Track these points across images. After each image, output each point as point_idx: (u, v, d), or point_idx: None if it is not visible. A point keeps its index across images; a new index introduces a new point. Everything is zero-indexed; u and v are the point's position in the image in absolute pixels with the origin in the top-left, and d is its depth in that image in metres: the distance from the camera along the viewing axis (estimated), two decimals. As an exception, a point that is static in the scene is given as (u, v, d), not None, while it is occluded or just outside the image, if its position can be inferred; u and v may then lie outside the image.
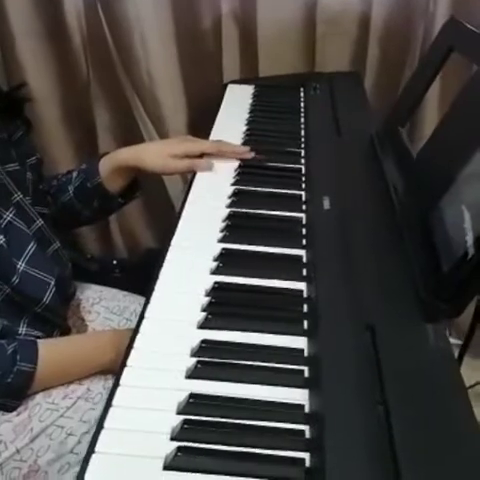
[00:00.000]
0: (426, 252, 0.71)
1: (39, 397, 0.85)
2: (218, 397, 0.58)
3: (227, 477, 0.51)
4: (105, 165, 1.04)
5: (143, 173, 1.05)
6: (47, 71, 1.43)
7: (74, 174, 1.08)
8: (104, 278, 1.21)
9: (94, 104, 1.47)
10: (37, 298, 0.87)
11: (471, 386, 1.59)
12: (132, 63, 1.40)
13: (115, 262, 1.48)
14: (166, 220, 1.41)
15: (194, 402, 0.57)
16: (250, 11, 1.40)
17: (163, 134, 1.47)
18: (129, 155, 1.03)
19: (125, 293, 1.11)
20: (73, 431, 0.83)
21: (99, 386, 0.88)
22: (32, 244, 0.90)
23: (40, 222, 0.94)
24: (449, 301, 0.64)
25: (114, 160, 1.04)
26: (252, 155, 1.05)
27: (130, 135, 1.48)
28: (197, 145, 1.05)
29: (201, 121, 1.33)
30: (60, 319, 0.94)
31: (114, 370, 0.74)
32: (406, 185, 0.86)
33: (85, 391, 0.88)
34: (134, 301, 1.07)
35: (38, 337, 0.88)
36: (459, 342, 1.79)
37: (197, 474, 0.51)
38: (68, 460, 0.82)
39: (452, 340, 1.80)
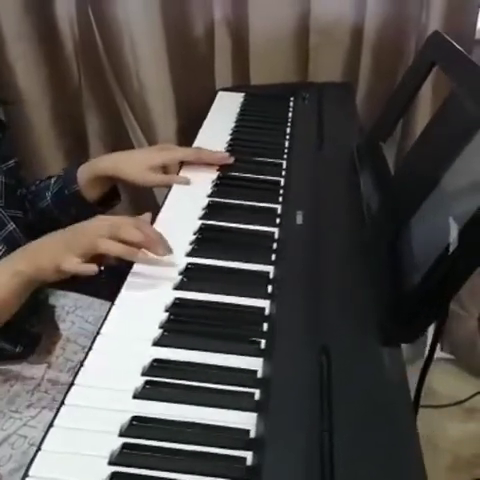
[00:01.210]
0: (390, 273, 0.69)
1: (2, 404, 0.84)
2: (161, 420, 0.57)
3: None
4: (83, 173, 1.03)
5: (120, 182, 1.05)
6: (38, 75, 1.42)
7: (52, 180, 1.07)
8: (89, 284, 1.21)
9: (85, 110, 1.47)
10: None
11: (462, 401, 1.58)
12: (121, 68, 1.39)
13: (102, 268, 1.47)
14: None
15: (137, 425, 0.56)
16: (243, 18, 1.39)
17: (153, 141, 1.46)
18: (108, 165, 1.03)
19: (103, 302, 1.10)
20: (36, 441, 0.82)
21: (65, 397, 0.87)
22: (1, 248, 0.89)
23: (11, 226, 0.94)
24: (405, 325, 0.63)
25: (92, 169, 1.03)
26: (231, 160, 1.04)
27: (120, 142, 1.48)
28: (176, 154, 1.04)
29: (191, 128, 1.32)
30: (28, 326, 0.94)
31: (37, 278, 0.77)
32: (379, 203, 0.85)
33: (50, 401, 0.87)
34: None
35: (4, 347, 0.87)
36: (451, 357, 1.77)
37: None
38: None
39: (443, 354, 1.78)
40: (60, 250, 0.76)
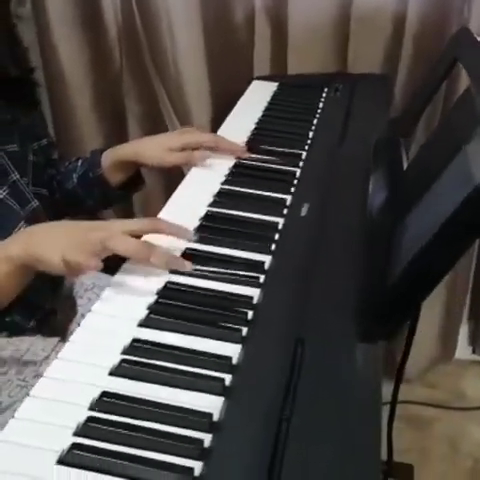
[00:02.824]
0: (375, 270, 0.69)
1: (12, 373, 0.88)
2: (129, 397, 0.59)
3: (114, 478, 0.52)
4: (107, 158, 1.07)
5: (143, 167, 1.07)
6: (81, 58, 1.47)
7: (79, 162, 1.11)
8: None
9: (125, 94, 1.50)
10: None
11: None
12: (160, 54, 1.42)
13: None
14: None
15: (105, 400, 0.59)
16: (282, 6, 1.38)
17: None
18: (128, 150, 1.06)
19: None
20: None
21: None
22: (22, 224, 0.93)
23: (35, 203, 0.98)
24: (378, 321, 0.62)
25: (114, 154, 1.06)
26: (247, 155, 1.05)
27: (157, 127, 1.51)
28: (195, 137, 1.06)
29: (225, 116, 1.34)
30: (43, 301, 0.98)
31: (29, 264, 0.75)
32: (382, 201, 0.84)
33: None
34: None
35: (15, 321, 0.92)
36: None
37: (87, 472, 0.53)
38: None
39: (476, 357, 1.74)
40: (69, 246, 0.75)
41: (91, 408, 0.58)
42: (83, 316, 1.05)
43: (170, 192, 1.57)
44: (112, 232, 0.77)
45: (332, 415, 0.56)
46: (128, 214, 1.65)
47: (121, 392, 0.60)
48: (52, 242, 0.78)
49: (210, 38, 1.43)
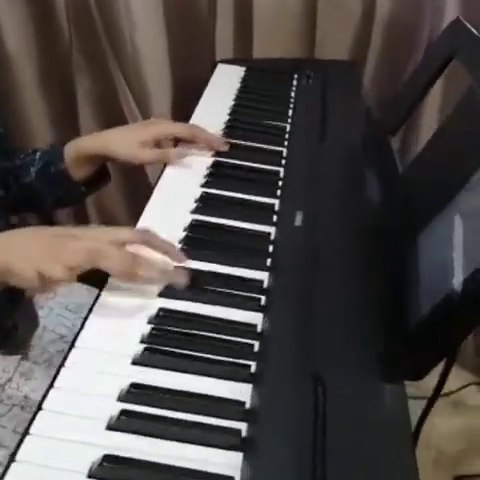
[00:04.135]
0: (396, 296, 0.64)
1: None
2: (158, 388, 0.57)
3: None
4: (70, 151, 0.96)
5: (110, 161, 0.98)
6: (26, 33, 1.33)
7: (37, 155, 1.00)
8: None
9: (75, 73, 1.38)
10: None
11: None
12: (116, 32, 1.30)
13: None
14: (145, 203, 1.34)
15: (135, 391, 0.56)
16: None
17: (145, 111, 1.38)
18: (96, 143, 0.95)
19: (87, 287, 1.04)
20: (3, 443, 0.78)
21: (38, 395, 0.82)
22: None
23: None
24: (409, 360, 0.57)
25: (79, 146, 0.96)
26: (226, 148, 0.97)
27: (111, 110, 1.39)
28: (168, 128, 0.97)
29: (187, 100, 1.24)
30: (5, 318, 0.88)
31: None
32: (385, 209, 0.79)
33: (22, 398, 0.82)
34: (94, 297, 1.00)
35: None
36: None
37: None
38: None
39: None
40: (45, 256, 0.65)
41: (121, 400, 0.56)
42: (45, 328, 0.97)
43: (127, 186, 1.50)
44: (92, 240, 0.67)
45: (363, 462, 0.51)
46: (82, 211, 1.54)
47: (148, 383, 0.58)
48: (25, 252, 0.67)
49: (170, 16, 1.32)
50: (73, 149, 0.96)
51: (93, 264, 0.65)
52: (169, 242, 0.72)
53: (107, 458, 0.51)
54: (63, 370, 0.59)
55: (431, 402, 0.64)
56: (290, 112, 1.14)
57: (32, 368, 0.89)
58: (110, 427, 0.54)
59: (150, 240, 0.70)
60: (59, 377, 0.58)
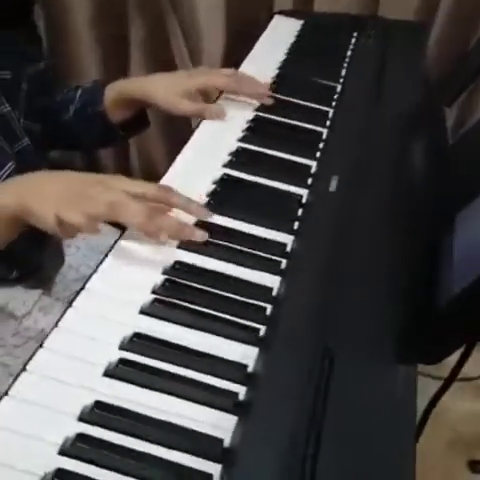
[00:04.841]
0: (424, 277, 0.60)
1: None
2: (161, 341, 0.56)
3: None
4: (111, 93, 0.94)
5: (150, 108, 0.95)
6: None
7: (78, 93, 0.98)
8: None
9: (130, 13, 1.34)
10: None
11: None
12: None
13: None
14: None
15: (137, 341, 0.55)
16: None
17: (196, 57, 1.34)
18: (137, 87, 0.93)
19: (117, 230, 1.03)
20: (14, 372, 0.78)
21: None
22: (11, 164, 0.81)
23: (26, 141, 0.86)
24: (429, 344, 0.54)
25: (120, 89, 0.93)
26: (270, 102, 0.94)
27: (162, 53, 1.36)
28: (212, 80, 0.93)
29: (239, 49, 1.20)
30: (29, 252, 0.88)
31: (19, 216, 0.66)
32: (429, 182, 0.74)
33: (38, 332, 0.83)
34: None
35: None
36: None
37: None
38: None
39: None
40: (65, 201, 0.64)
41: (123, 348, 0.55)
42: (70, 266, 0.98)
43: (168, 133, 1.47)
44: (115, 192, 0.65)
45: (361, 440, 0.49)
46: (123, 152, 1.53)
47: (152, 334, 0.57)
48: (47, 195, 0.66)
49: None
50: (114, 91, 0.94)
51: (112, 216, 0.64)
52: (190, 199, 0.69)
53: (99, 404, 0.50)
54: (69, 310, 0.58)
55: (446, 385, 0.61)
56: (343, 72, 1.08)
57: (53, 304, 0.89)
58: (107, 374, 0.53)
59: (169, 199, 0.68)
60: (64, 317, 0.57)
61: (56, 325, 0.57)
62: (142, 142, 1.48)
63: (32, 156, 0.87)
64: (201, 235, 0.68)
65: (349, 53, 1.15)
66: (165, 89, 0.90)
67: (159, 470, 0.47)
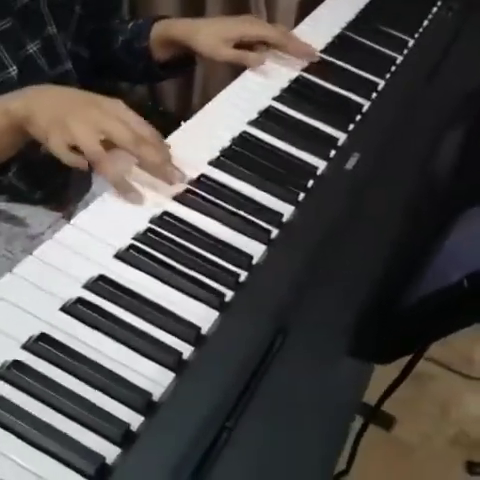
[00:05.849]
0: (404, 275, 0.57)
1: (0, 241, 0.83)
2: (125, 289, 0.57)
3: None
4: (157, 31, 0.93)
5: (192, 51, 0.94)
6: None
7: (130, 25, 0.98)
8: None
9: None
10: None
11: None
12: None
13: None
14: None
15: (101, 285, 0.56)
16: None
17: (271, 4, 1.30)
18: (180, 29, 0.92)
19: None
20: None
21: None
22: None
23: (68, 65, 0.87)
24: (383, 344, 0.52)
25: (165, 29, 0.93)
26: (316, 59, 0.91)
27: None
28: (258, 29, 0.91)
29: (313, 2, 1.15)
30: (57, 175, 0.90)
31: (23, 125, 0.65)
32: (449, 178, 0.70)
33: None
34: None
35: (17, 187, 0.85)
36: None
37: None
38: None
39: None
40: (68, 111, 0.63)
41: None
42: (94, 195, 0.99)
43: (208, 77, 1.44)
44: (109, 112, 0.65)
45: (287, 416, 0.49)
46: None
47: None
48: (50, 102, 0.66)
49: None
50: (160, 30, 0.93)
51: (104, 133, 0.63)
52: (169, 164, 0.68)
53: (44, 337, 0.51)
54: (47, 242, 0.59)
55: (394, 385, 0.59)
56: (411, 43, 1.02)
57: (66, 229, 0.91)
58: (63, 309, 0.54)
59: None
60: (40, 247, 0.59)
61: (31, 253, 0.58)
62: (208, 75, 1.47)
63: (73, 82, 0.88)
64: (179, 176, 0.67)
65: (425, 23, 1.08)
66: (208, 34, 0.88)
67: (81, 408, 0.48)
